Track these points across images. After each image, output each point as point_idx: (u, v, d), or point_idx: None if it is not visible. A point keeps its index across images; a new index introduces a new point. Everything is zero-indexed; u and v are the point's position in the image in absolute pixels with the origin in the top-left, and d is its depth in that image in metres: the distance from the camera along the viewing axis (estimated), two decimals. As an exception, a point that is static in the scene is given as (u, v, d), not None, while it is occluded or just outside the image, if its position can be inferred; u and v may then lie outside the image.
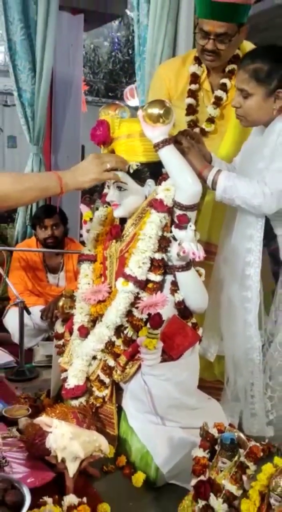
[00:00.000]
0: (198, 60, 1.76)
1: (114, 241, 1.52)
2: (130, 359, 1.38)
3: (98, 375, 1.43)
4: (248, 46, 1.72)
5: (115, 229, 1.52)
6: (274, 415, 1.50)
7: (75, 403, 1.42)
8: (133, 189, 1.45)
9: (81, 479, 1.25)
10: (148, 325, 1.31)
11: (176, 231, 1.38)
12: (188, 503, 1.14)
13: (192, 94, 1.77)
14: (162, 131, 1.36)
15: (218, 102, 1.75)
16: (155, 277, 1.40)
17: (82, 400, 1.43)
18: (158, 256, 1.40)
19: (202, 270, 1.46)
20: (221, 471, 1.09)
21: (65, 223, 2.52)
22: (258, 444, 1.10)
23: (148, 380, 1.32)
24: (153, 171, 1.45)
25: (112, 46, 11.31)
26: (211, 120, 1.75)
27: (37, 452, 1.25)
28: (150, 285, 1.40)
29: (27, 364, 2.09)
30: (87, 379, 1.45)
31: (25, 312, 2.04)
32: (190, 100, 1.77)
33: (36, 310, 2.28)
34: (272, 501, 0.96)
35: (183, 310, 1.42)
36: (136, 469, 1.35)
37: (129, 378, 1.38)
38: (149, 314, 1.34)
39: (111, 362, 1.42)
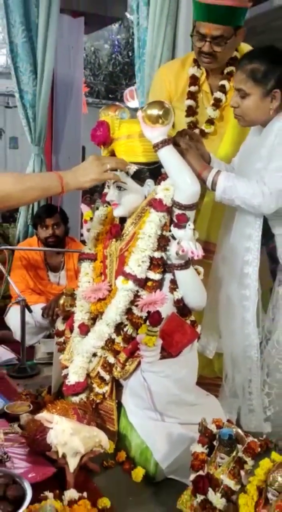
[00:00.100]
0: (197, 62, 1.77)
1: (114, 240, 1.53)
2: (130, 356, 1.39)
3: (98, 372, 1.44)
4: (245, 48, 1.73)
5: (115, 228, 1.53)
6: (271, 411, 1.51)
7: (75, 399, 1.43)
8: (133, 189, 1.47)
9: (82, 474, 1.26)
10: (147, 323, 1.31)
11: (175, 230, 1.39)
12: (186, 498, 1.15)
13: (192, 95, 1.78)
14: (161, 132, 1.38)
15: (217, 103, 1.76)
16: (154, 276, 1.41)
17: (83, 396, 1.43)
18: (157, 254, 1.41)
19: (201, 269, 1.46)
20: (219, 466, 1.10)
21: (66, 222, 2.53)
22: (255, 440, 1.10)
23: (147, 377, 1.32)
24: (152, 171, 1.46)
25: (113, 49, 11.33)
26: (210, 121, 1.76)
27: (38, 447, 1.26)
28: (149, 283, 1.41)
29: (29, 361, 2.10)
30: (88, 375, 1.46)
31: (26, 310, 2.05)
32: (190, 102, 1.78)
33: (37, 308, 2.30)
34: (269, 495, 0.97)
35: (182, 308, 1.43)
36: (136, 464, 1.36)
37: (129, 375, 1.38)
38: (148, 312, 1.35)
39: (111, 359, 1.42)
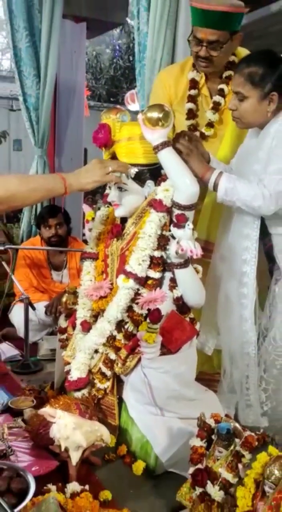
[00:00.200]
0: (196, 67, 1.79)
1: (115, 239, 1.55)
2: (130, 352, 1.41)
3: (100, 368, 1.46)
4: (243, 52, 1.74)
5: (116, 228, 1.55)
6: (268, 406, 1.51)
7: (78, 394, 1.45)
8: (133, 189, 1.49)
9: (84, 468, 1.28)
10: (148, 320, 1.33)
11: (174, 230, 1.41)
12: (186, 490, 1.16)
13: (192, 99, 1.79)
14: (161, 134, 1.39)
15: (216, 107, 1.77)
16: (154, 274, 1.42)
17: (85, 391, 1.45)
18: (157, 254, 1.43)
19: (200, 268, 1.48)
20: (218, 459, 1.12)
21: (68, 222, 2.57)
22: (253, 434, 1.11)
23: (147, 373, 1.34)
24: (152, 172, 1.48)
25: (114, 53, 11.36)
26: (210, 124, 1.78)
27: (41, 441, 1.28)
28: (150, 282, 1.43)
29: (32, 358, 2.13)
30: (90, 371, 1.47)
31: (30, 308, 2.08)
32: (190, 105, 1.80)
33: (40, 306, 2.32)
34: (266, 488, 0.98)
35: (181, 305, 1.44)
36: (136, 458, 1.38)
37: (130, 371, 1.40)
38: (149, 310, 1.37)
39: (112, 356, 1.44)
